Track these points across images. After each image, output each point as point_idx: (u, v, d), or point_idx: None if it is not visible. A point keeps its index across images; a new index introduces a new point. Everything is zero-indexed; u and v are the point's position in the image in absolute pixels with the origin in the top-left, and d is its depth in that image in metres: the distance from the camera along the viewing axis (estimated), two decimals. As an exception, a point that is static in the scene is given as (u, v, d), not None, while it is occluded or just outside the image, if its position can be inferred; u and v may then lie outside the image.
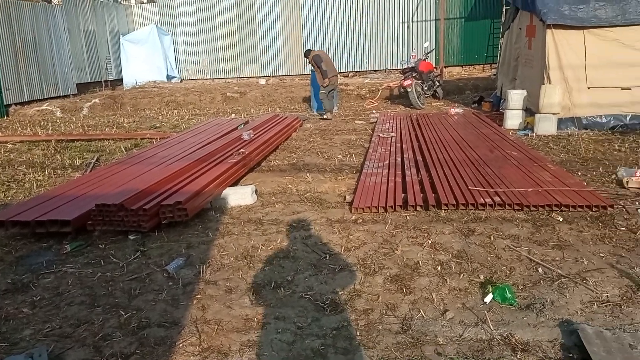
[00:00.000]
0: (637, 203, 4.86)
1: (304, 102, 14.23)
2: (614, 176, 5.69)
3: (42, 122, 12.38)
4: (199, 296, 3.57)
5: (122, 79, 18.94)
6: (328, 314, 3.26)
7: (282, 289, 3.59)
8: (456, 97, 13.58)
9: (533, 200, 4.82)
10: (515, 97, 9.01)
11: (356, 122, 10.78)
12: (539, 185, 5.21)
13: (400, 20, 17.91)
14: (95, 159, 8.01)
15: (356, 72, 18.45)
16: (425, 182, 5.69)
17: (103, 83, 18.35)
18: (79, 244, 4.60)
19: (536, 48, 9.02)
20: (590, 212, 4.64)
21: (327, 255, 4.10)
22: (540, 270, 3.65)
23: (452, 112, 10.45)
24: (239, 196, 5.53)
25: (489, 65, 17.01)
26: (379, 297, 3.41)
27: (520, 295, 3.31)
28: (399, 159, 6.78)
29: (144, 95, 15.95)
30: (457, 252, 4.02)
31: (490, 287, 3.36)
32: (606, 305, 3.15)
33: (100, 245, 4.58)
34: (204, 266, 4.01)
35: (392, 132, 8.70)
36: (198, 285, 3.73)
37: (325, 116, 11.38)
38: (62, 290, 3.77)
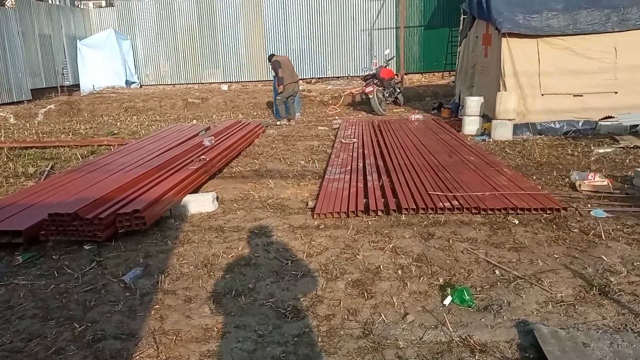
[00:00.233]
0: (589, 205, 5.03)
1: (267, 108, 14.18)
2: (567, 180, 5.88)
3: (-6, 129, 11.92)
4: (157, 306, 3.49)
5: (79, 84, 18.43)
6: (290, 320, 3.23)
7: (243, 297, 3.55)
8: (416, 104, 13.81)
9: (490, 204, 4.93)
10: (473, 104, 9.23)
11: (319, 128, 10.81)
12: (496, 189, 5.34)
13: (362, 28, 18.10)
14: (49, 166, 7.75)
15: (319, 78, 18.53)
16: (386, 187, 5.74)
17: (59, 89, 17.83)
18: (32, 255, 4.43)
19: (492, 56, 9.27)
20: (545, 215, 4.78)
21: (289, 262, 4.08)
22: (497, 272, 3.73)
23: (413, 119, 10.60)
24: (199, 203, 5.45)
25: (448, 72, 17.36)
26: (340, 303, 3.41)
27: (478, 297, 3.37)
28: (360, 165, 6.83)
29: (102, 101, 15.55)
30: (417, 255, 4.07)
31: (449, 289, 3.42)
32: (560, 305, 3.24)
33: (54, 256, 4.42)
34: (163, 275, 3.93)
35: (354, 138, 8.76)
36: (156, 295, 3.65)
37: (278, 123, 11.40)
38: (13, 304, 3.62)
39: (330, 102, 14.52)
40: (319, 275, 3.83)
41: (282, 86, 11.12)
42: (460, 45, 12.21)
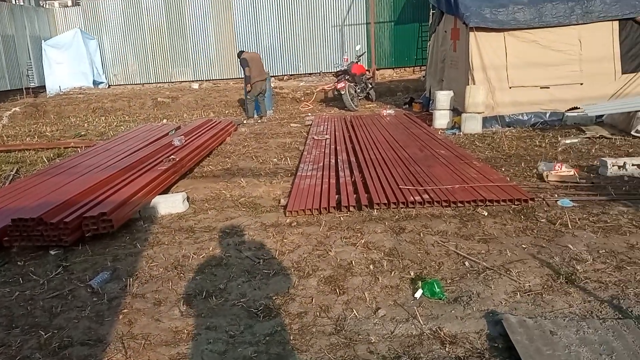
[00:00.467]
0: (556, 195, 5.13)
1: (239, 106, 14.06)
2: (534, 170, 5.98)
3: (-45, 133, 11.54)
4: (125, 311, 3.42)
5: (45, 85, 17.97)
6: (261, 320, 3.21)
7: (213, 297, 3.50)
8: (388, 99, 13.88)
9: (460, 197, 4.98)
10: (443, 98, 9.32)
11: (291, 125, 10.77)
12: (466, 182, 5.40)
13: (333, 24, 18.08)
14: (14, 170, 7.54)
15: (291, 75, 18.46)
16: (358, 182, 5.75)
17: (24, 90, 17.36)
18: (-5, 262, 4.30)
19: (460, 50, 9.37)
20: (513, 206, 4.85)
21: (261, 261, 4.04)
22: (467, 263, 3.77)
23: (385, 114, 10.66)
24: (169, 204, 5.37)
25: (418, 67, 17.49)
26: (312, 300, 3.40)
27: (448, 289, 3.40)
28: (333, 161, 6.83)
29: (69, 102, 15.21)
30: (389, 250, 4.08)
31: (420, 282, 3.43)
32: (528, 295, 3.29)
33: (18, 262, 4.30)
34: (131, 279, 3.85)
35: (326, 134, 8.76)
36: (125, 299, 3.57)
37: (246, 121, 11.34)
38: (-25, 313, 3.51)
39: (302, 98, 14.48)
40: (291, 273, 3.81)
41: (249, 84, 11.05)
42: (429, 40, 12.31)
